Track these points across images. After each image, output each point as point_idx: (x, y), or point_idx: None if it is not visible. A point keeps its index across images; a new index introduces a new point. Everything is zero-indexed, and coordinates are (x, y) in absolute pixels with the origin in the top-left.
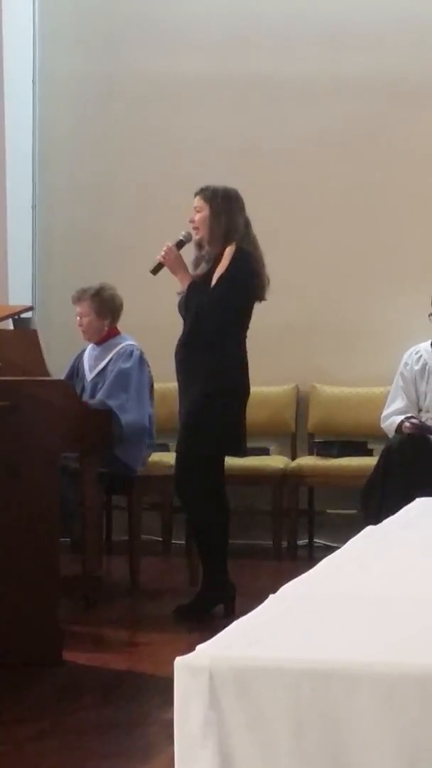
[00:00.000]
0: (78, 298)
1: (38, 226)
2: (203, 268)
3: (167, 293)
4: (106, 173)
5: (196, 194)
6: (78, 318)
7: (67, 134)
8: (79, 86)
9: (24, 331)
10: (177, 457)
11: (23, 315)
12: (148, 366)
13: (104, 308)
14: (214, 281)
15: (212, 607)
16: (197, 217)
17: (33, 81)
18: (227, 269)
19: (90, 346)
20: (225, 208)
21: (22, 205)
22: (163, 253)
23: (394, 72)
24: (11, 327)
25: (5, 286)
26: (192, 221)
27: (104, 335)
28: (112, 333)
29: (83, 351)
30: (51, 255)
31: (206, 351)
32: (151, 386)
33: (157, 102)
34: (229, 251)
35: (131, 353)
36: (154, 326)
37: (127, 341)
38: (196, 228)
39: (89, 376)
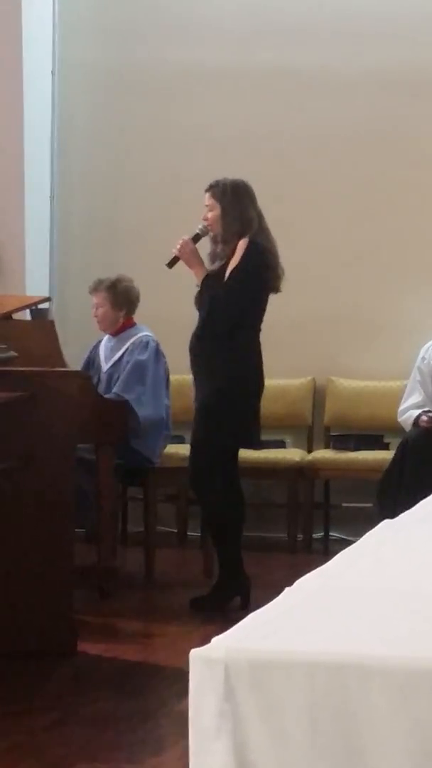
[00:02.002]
0: (94, 289)
1: (56, 217)
2: (218, 264)
3: (184, 285)
4: (123, 164)
5: (206, 191)
6: (94, 308)
7: (85, 125)
8: (98, 77)
9: (41, 322)
10: (191, 450)
11: (40, 306)
12: (164, 357)
13: (120, 299)
14: (227, 275)
15: (229, 600)
16: (210, 214)
17: (52, 72)
18: (240, 262)
19: (106, 337)
20: (236, 204)
21: (40, 196)
22: (178, 246)
23: (412, 64)
24: (28, 317)
25: (23, 277)
26: (205, 218)
27: (120, 326)
28: (128, 324)
29: (99, 342)
30: (68, 246)
31: (220, 344)
32: (167, 378)
33: (175, 93)
34: (242, 245)
35: (147, 344)
36: (171, 318)
37: (143, 332)
38: (210, 225)
39: (105, 367)
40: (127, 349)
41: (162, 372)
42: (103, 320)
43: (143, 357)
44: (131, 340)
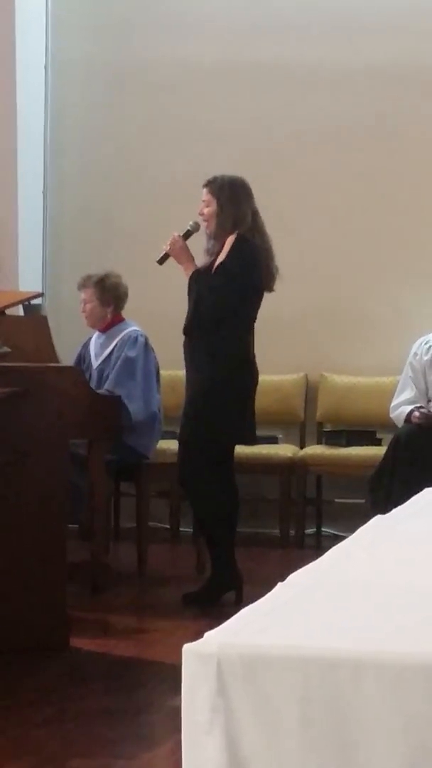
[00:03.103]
0: (82, 285)
1: (49, 212)
2: (208, 259)
3: (177, 281)
4: (117, 160)
5: (204, 186)
6: (82, 304)
7: (78, 121)
8: (91, 73)
9: (34, 318)
10: (179, 447)
11: (33, 301)
12: (153, 352)
13: (107, 295)
14: (214, 269)
15: (221, 595)
16: (206, 210)
17: (45, 67)
18: (226, 257)
19: (96, 334)
20: (232, 202)
21: (32, 191)
22: (169, 243)
23: (407, 59)
24: (21, 313)
25: (16, 273)
26: (201, 213)
27: (108, 322)
28: (117, 320)
29: (90, 339)
30: (61, 241)
31: (206, 339)
32: (157, 372)
33: (169, 89)
34: (229, 240)
35: (136, 340)
36: (164, 313)
37: (131, 327)
38: (206, 221)
39: (95, 363)
40: (116, 345)
41: (152, 366)
42: (91, 316)
43: (132, 353)
44: (120, 336)
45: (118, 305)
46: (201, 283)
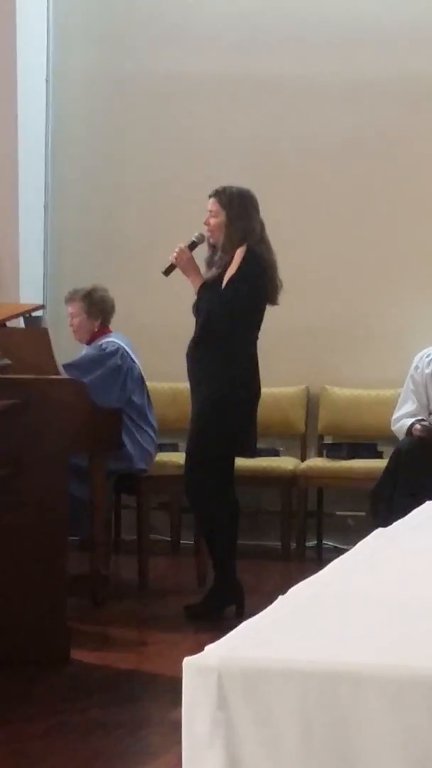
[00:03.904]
0: (69, 299)
1: (50, 224)
2: (214, 272)
3: (179, 293)
4: (118, 172)
5: (211, 196)
6: (69, 318)
7: (79, 133)
8: (92, 84)
9: (35, 330)
10: (187, 458)
11: (34, 313)
12: (134, 361)
13: (95, 309)
14: (224, 283)
15: (223, 608)
16: (213, 221)
17: (46, 79)
18: (237, 270)
19: (85, 347)
20: (242, 214)
21: (34, 203)
22: (175, 254)
23: (406, 73)
24: (22, 325)
25: (17, 285)
26: (207, 224)
27: (93, 335)
28: (102, 332)
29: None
30: (62, 253)
31: (217, 352)
32: (142, 380)
33: (170, 101)
34: (239, 252)
35: (104, 349)
36: (166, 326)
37: (108, 339)
38: (210, 231)
39: None
40: None
41: (106, 374)
42: (79, 330)
43: (91, 352)
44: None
45: (105, 318)
46: (211, 296)
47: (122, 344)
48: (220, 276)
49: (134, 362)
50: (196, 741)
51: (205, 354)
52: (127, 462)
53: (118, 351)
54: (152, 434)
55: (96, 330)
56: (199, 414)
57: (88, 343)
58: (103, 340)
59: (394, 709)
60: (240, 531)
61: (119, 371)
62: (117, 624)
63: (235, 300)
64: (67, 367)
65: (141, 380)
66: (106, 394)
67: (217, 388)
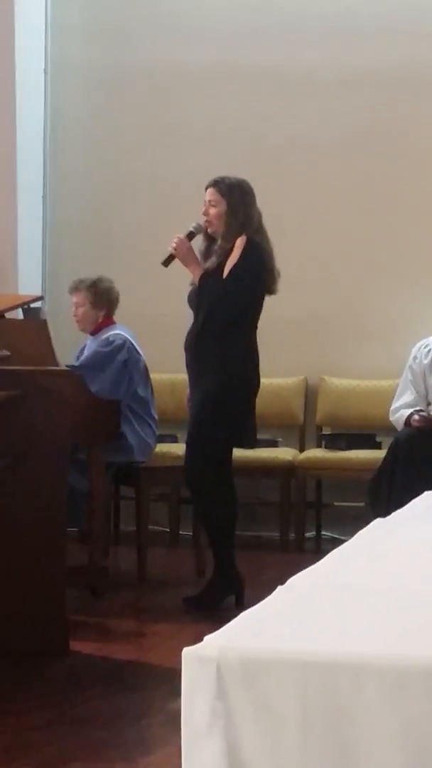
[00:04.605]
0: (75, 288)
1: (48, 216)
2: (213, 262)
3: (176, 284)
4: (116, 164)
5: (210, 186)
6: (73, 308)
7: (78, 125)
8: (91, 77)
9: (34, 321)
10: (187, 449)
11: (33, 305)
12: (139, 353)
13: (100, 299)
14: (225, 273)
15: (222, 599)
16: (212, 211)
17: (44, 71)
18: (239, 260)
19: (89, 338)
20: (242, 203)
21: (32, 195)
22: (174, 244)
23: (404, 64)
24: (21, 316)
25: (15, 276)
26: (206, 214)
27: (98, 325)
28: (106, 323)
29: (87, 342)
30: (61, 245)
31: (218, 342)
32: (146, 373)
33: (168, 93)
34: (240, 243)
35: (112, 342)
36: (163, 317)
37: (115, 331)
38: (209, 221)
39: None
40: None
41: (115, 369)
42: (83, 319)
43: (105, 349)
44: (100, 339)
45: (110, 309)
46: (213, 286)
47: (128, 336)
48: (220, 265)
49: (139, 354)
50: (195, 731)
51: (206, 345)
52: (128, 454)
53: (125, 344)
54: (154, 427)
55: (100, 321)
56: (200, 404)
57: (92, 333)
58: (109, 332)
59: (393, 699)
60: (239, 522)
61: (126, 366)
62: (116, 615)
63: (238, 291)
64: (77, 368)
65: (146, 372)
66: (116, 391)
67: (218, 378)
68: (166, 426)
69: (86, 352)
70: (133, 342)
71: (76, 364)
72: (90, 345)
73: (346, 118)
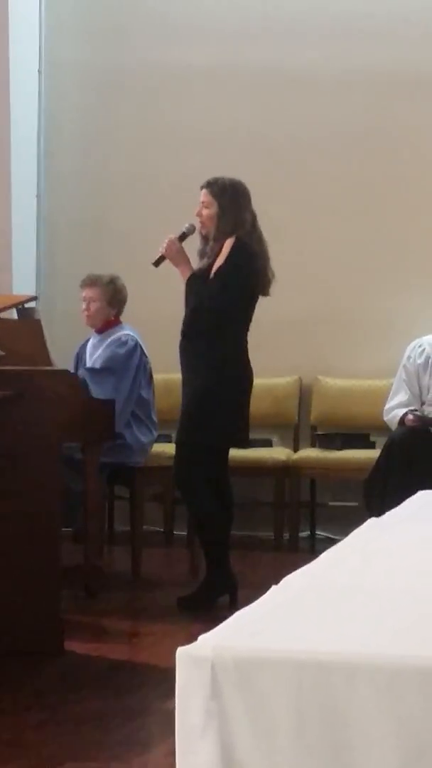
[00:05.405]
0: (90, 284)
1: (43, 215)
2: (204, 263)
3: (172, 284)
4: (110, 163)
5: (203, 187)
6: (85, 303)
7: (72, 124)
8: (85, 76)
9: (28, 321)
10: (176, 449)
11: (27, 304)
12: (146, 356)
13: (115, 298)
14: (212, 273)
15: (216, 599)
16: (205, 212)
17: (39, 71)
18: (226, 261)
19: (92, 335)
20: (234, 205)
21: (26, 194)
22: (164, 245)
23: (404, 64)
24: (15, 316)
25: (9, 276)
26: (199, 215)
27: (106, 324)
28: (114, 322)
29: (87, 341)
30: (55, 245)
31: (205, 342)
32: (150, 375)
33: (164, 93)
34: (228, 243)
35: (125, 343)
36: (159, 317)
37: (124, 331)
38: (202, 222)
39: (89, 364)
40: (107, 347)
41: (132, 372)
42: (95, 315)
43: (120, 350)
44: (112, 338)
45: (120, 309)
46: (200, 287)
47: (137, 338)
48: (210, 266)
49: (146, 357)
50: (189, 731)
51: (194, 345)
52: (125, 456)
53: (137, 346)
54: (153, 430)
55: (111, 318)
56: (188, 405)
57: (99, 331)
58: (120, 332)
59: (387, 699)
60: (233, 522)
61: (137, 369)
62: (111, 615)
63: (223, 291)
64: (97, 371)
65: (150, 375)
66: (128, 398)
67: (206, 380)
68: (160, 426)
69: (92, 351)
70: (142, 343)
71: (94, 366)
72: (96, 344)
73: (345, 119)
